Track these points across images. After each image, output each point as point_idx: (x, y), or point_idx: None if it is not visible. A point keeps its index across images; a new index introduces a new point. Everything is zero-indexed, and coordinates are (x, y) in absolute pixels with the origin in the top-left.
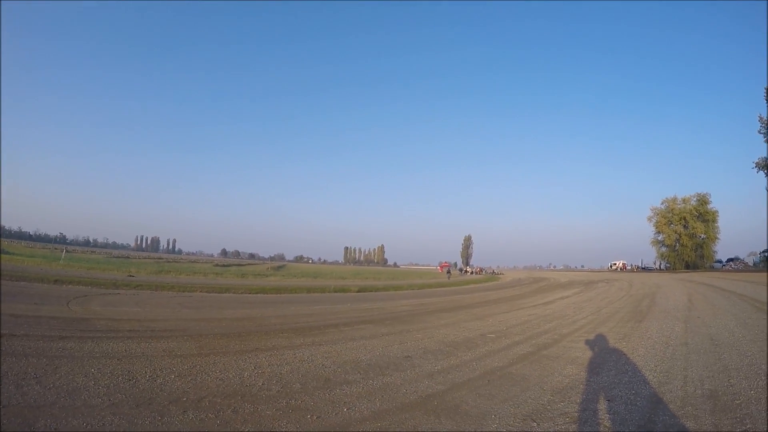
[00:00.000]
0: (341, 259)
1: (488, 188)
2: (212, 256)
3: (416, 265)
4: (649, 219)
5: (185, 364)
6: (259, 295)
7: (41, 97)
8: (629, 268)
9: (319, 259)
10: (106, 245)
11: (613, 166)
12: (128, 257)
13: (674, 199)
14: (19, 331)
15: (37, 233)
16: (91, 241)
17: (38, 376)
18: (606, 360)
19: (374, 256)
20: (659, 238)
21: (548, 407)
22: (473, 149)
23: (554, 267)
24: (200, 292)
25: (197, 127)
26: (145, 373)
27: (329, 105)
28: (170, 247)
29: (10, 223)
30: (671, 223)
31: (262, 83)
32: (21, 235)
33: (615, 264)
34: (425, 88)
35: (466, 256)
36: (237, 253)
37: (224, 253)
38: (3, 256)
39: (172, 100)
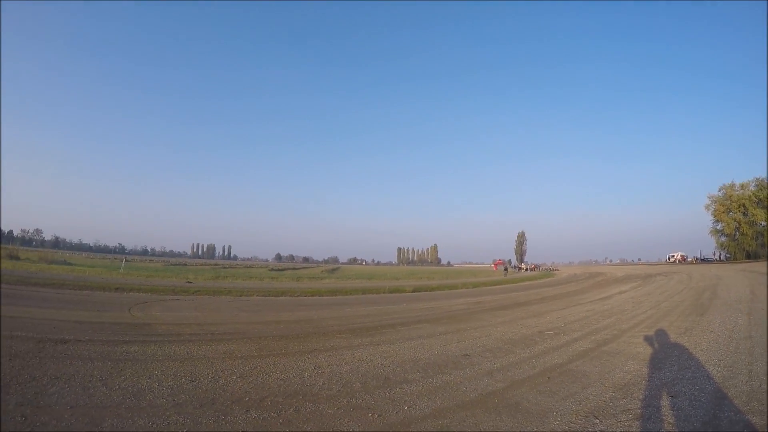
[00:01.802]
0: (395, 260)
1: (541, 183)
2: (267, 260)
3: (470, 263)
4: (707, 207)
5: (246, 365)
6: (314, 297)
7: (104, 116)
8: (688, 259)
9: (373, 260)
10: (163, 254)
11: (669, 153)
12: (185, 264)
13: (732, 186)
14: (84, 337)
15: (97, 244)
16: (149, 250)
17: (104, 378)
18: (668, 355)
19: (427, 255)
20: (718, 228)
21: (610, 404)
22: (525, 144)
23: (610, 261)
24: (257, 296)
25: (250, 140)
26: (207, 374)
27: (381, 103)
28: (226, 253)
29: (71, 236)
30: (730, 211)
31: (309, 85)
32: (81, 247)
33: (673, 256)
34: (474, 84)
35: (520, 253)
36: (291, 257)
37: (279, 257)
38: (65, 267)
39: (228, 113)
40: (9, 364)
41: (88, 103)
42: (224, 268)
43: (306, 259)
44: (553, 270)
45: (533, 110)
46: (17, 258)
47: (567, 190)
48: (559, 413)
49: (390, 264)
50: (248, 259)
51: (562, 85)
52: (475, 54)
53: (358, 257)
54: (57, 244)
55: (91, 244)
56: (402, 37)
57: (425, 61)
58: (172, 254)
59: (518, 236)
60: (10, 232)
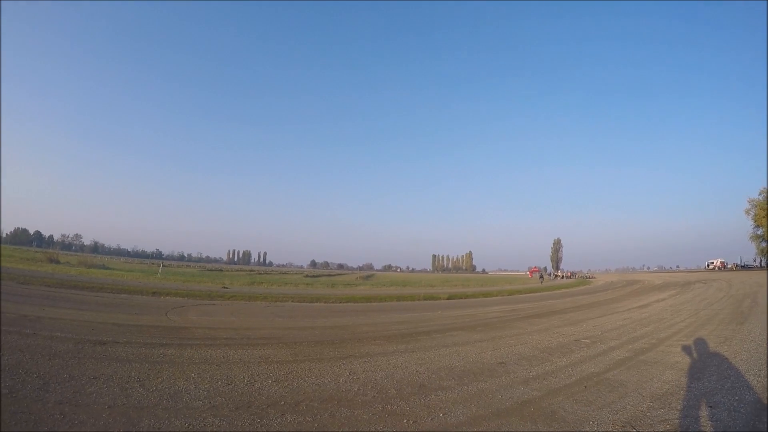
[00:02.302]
0: (429, 267)
1: (577, 189)
2: (302, 267)
3: (505, 270)
4: (747, 212)
5: (281, 369)
6: (349, 304)
7: (142, 124)
8: (728, 266)
9: (407, 267)
10: (199, 259)
11: (707, 157)
12: (221, 270)
13: None
14: (122, 339)
15: (135, 250)
16: (186, 255)
17: (141, 380)
18: (707, 365)
19: (462, 263)
20: (758, 233)
21: (648, 414)
22: (561, 149)
23: (648, 268)
24: (292, 301)
25: (286, 146)
26: (243, 378)
27: (418, 109)
28: (261, 259)
29: (110, 241)
30: None
31: (348, 89)
32: (120, 252)
33: (712, 263)
34: (512, 88)
35: (556, 260)
36: (326, 264)
37: (313, 264)
38: (104, 271)
39: (269, 118)
40: (48, 364)
41: (126, 111)
42: (259, 274)
43: (341, 266)
44: (589, 277)
45: (569, 117)
46: (57, 262)
47: (603, 196)
48: (596, 423)
49: (424, 271)
50: (283, 265)
51: (597, 92)
52: (512, 58)
53: (393, 264)
54: (96, 249)
55: (129, 250)
56: (436, 39)
57: (463, 63)
58: (208, 260)
59: (554, 243)
60: (51, 236)
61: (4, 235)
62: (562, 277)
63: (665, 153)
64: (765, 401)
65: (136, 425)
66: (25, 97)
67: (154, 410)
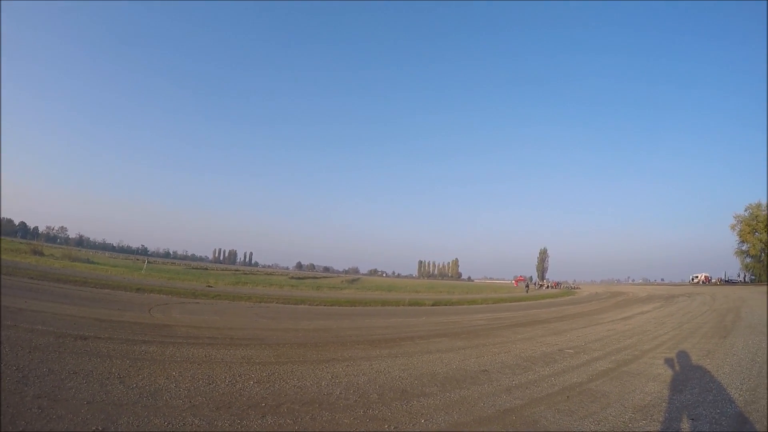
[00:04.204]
0: (415, 273)
1: (564, 201)
2: (287, 268)
3: (491, 279)
4: (732, 227)
5: (263, 371)
6: (334, 307)
7: (128, 118)
8: (712, 281)
9: (393, 272)
10: (185, 257)
11: (693, 171)
12: (206, 269)
13: (759, 205)
14: (104, 334)
15: (120, 245)
16: (171, 252)
17: (121, 376)
18: (689, 377)
19: (448, 269)
20: (743, 248)
21: (629, 425)
22: (549, 160)
23: (633, 281)
24: (276, 303)
25: (273, 145)
26: (225, 378)
27: (407, 113)
28: (247, 259)
29: (95, 235)
30: (756, 232)
31: (337, 90)
32: (105, 247)
33: (697, 277)
34: (500, 97)
35: (542, 270)
36: (312, 266)
37: (299, 266)
38: (88, 265)
39: (255, 116)
40: (28, 357)
41: (113, 105)
42: (245, 274)
43: (326, 269)
44: (574, 288)
45: (557, 127)
46: (41, 254)
47: (590, 208)
48: None
49: (410, 277)
50: (269, 266)
51: (588, 103)
52: (501, 68)
53: (379, 269)
54: (81, 242)
55: (114, 245)
56: (428, 45)
57: (453, 71)
58: (193, 258)
59: (540, 253)
60: (36, 228)
61: None
62: (548, 287)
63: (653, 166)
64: (746, 414)
65: (114, 422)
66: (17, 92)
67: (134, 408)
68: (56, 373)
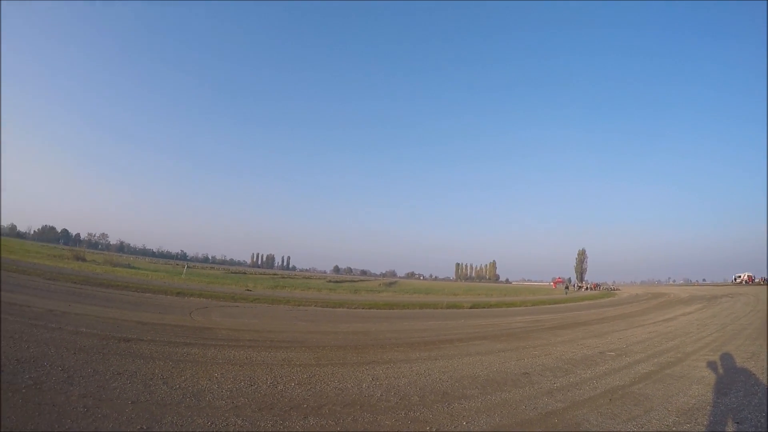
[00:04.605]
0: (452, 276)
1: (603, 200)
2: (325, 272)
3: (528, 280)
4: None
5: (304, 373)
6: (372, 310)
7: (168, 126)
8: (755, 280)
9: (431, 275)
10: (223, 262)
11: (737, 168)
12: (245, 273)
13: None
14: (146, 336)
15: (160, 250)
16: (210, 257)
17: (164, 377)
18: (734, 380)
19: (486, 272)
20: None
21: (673, 429)
22: (587, 160)
23: (673, 281)
24: (314, 306)
25: (312, 149)
26: (266, 379)
27: (443, 117)
28: (285, 263)
29: (135, 241)
30: None
31: (375, 94)
32: (145, 252)
33: (740, 277)
34: (536, 97)
35: (581, 271)
36: (349, 270)
37: (337, 269)
38: (130, 270)
39: (287, 124)
40: (73, 358)
41: (155, 113)
42: (283, 278)
43: (364, 272)
44: (614, 289)
45: (595, 129)
46: (83, 259)
47: (629, 209)
48: None
49: (447, 279)
50: (306, 270)
51: (621, 106)
52: (535, 69)
53: (416, 272)
54: (122, 248)
55: (154, 250)
56: (462, 47)
57: (490, 73)
58: (232, 262)
59: (579, 254)
60: (77, 235)
61: (32, 232)
62: (587, 288)
63: (693, 166)
64: None
65: (158, 421)
66: (58, 97)
67: (177, 408)
68: (101, 373)
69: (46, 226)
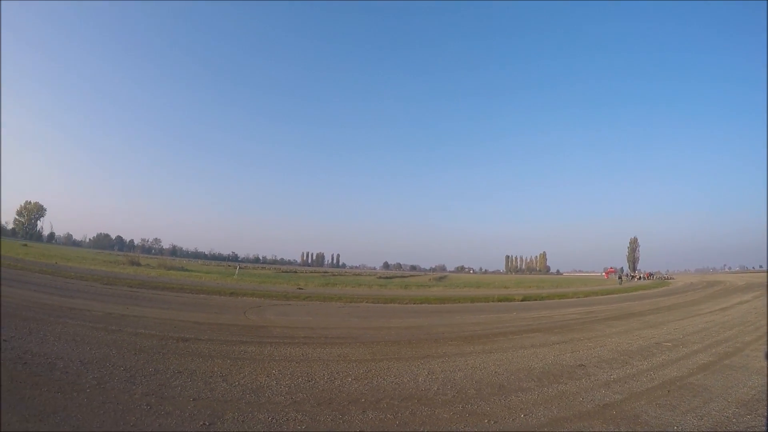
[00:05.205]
0: (502, 268)
1: (654, 187)
2: (375, 269)
3: (580, 271)
4: None
5: (360, 368)
6: (423, 305)
7: (222, 130)
8: None
9: (480, 268)
10: (274, 261)
11: None
12: (295, 272)
13: None
14: (203, 336)
15: (212, 253)
16: (260, 258)
17: (224, 375)
18: None
19: (536, 263)
20: None
21: (734, 420)
22: (635, 148)
23: (729, 269)
24: (366, 302)
25: (356, 147)
26: (323, 375)
27: (494, 111)
28: (334, 261)
29: (187, 245)
30: None
31: (420, 90)
32: (197, 255)
33: None
34: (581, 91)
35: (633, 260)
36: (399, 266)
37: (386, 265)
38: (183, 272)
39: (333, 123)
40: (134, 358)
41: (203, 115)
42: (333, 275)
43: (413, 267)
44: (667, 278)
45: (645, 117)
46: (138, 264)
47: (682, 194)
48: (681, 428)
49: (497, 272)
50: (356, 267)
51: (679, 96)
52: (584, 60)
53: (466, 265)
54: (174, 252)
55: (206, 253)
56: (511, 44)
57: (542, 67)
58: (282, 262)
59: (630, 242)
60: (131, 241)
61: (87, 240)
62: (640, 278)
63: (744, 146)
64: None
65: (220, 417)
66: (104, 107)
67: (238, 404)
68: (162, 372)
69: (100, 233)
